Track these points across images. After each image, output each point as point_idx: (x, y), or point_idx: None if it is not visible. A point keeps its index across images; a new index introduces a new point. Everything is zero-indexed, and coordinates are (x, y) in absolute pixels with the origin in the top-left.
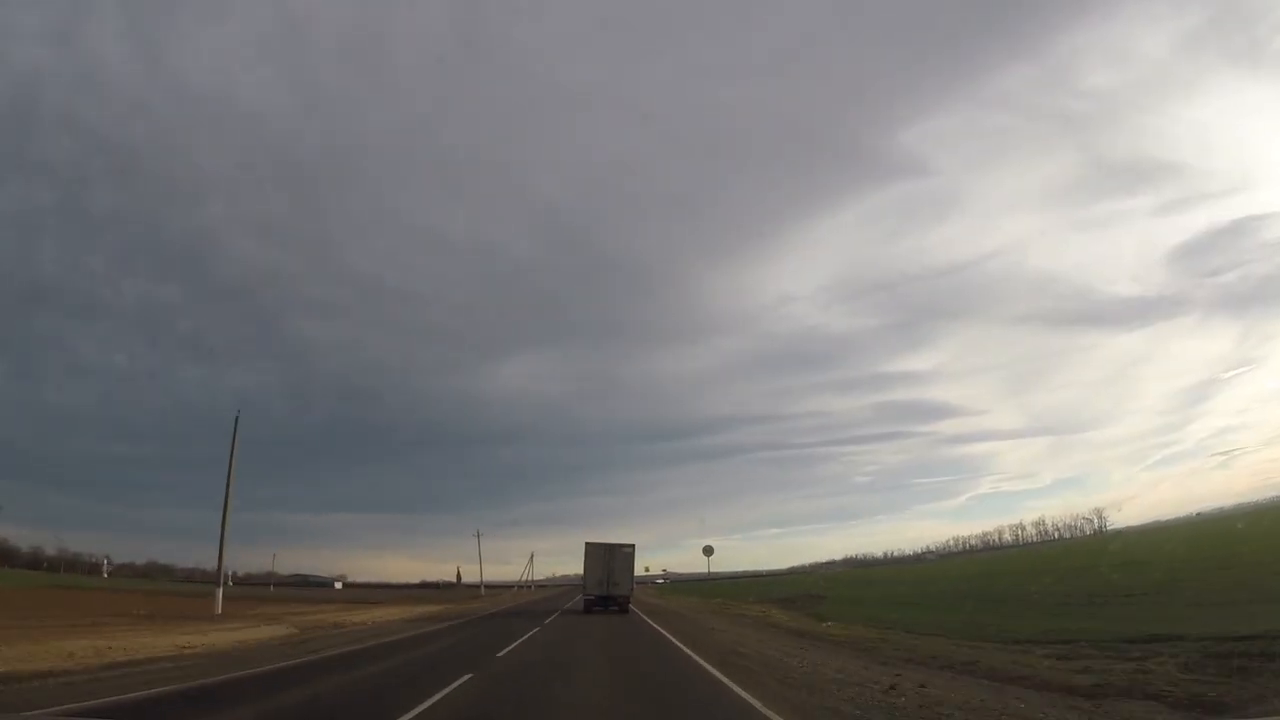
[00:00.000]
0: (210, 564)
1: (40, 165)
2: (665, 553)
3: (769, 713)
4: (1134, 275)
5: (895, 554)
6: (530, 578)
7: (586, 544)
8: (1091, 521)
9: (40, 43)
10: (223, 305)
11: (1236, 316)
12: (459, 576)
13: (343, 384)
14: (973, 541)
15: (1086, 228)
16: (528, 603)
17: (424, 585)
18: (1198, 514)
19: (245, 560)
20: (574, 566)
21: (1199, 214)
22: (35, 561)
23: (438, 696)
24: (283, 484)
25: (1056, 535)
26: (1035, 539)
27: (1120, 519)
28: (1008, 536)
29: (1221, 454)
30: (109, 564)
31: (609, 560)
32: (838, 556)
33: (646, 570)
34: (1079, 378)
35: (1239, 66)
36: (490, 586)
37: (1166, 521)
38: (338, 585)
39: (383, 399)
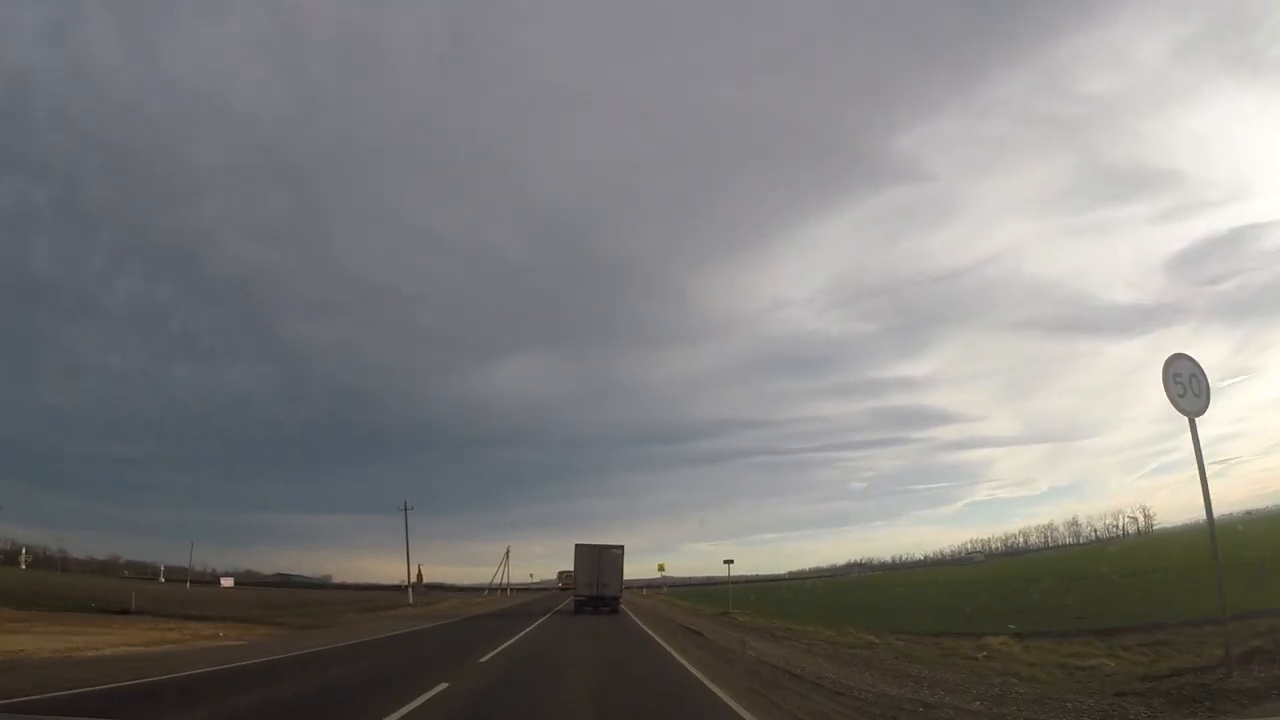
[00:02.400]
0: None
1: (33, 163)
2: (661, 556)
3: None
4: (1131, 283)
5: (904, 558)
6: (506, 579)
7: (576, 545)
8: (1135, 521)
9: (35, 40)
10: (217, 305)
11: (1234, 325)
12: (420, 575)
13: (338, 384)
14: (995, 545)
15: (1084, 234)
16: (472, 616)
17: (401, 587)
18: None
19: (234, 559)
20: (565, 567)
21: (1197, 222)
22: None
23: None
24: (277, 484)
25: (1094, 535)
26: (1068, 540)
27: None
28: (1035, 539)
29: (1218, 463)
30: (26, 555)
31: (599, 561)
32: (840, 561)
33: (662, 571)
34: (1076, 385)
35: (1238, 74)
36: (440, 589)
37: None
38: (226, 583)
39: (379, 400)
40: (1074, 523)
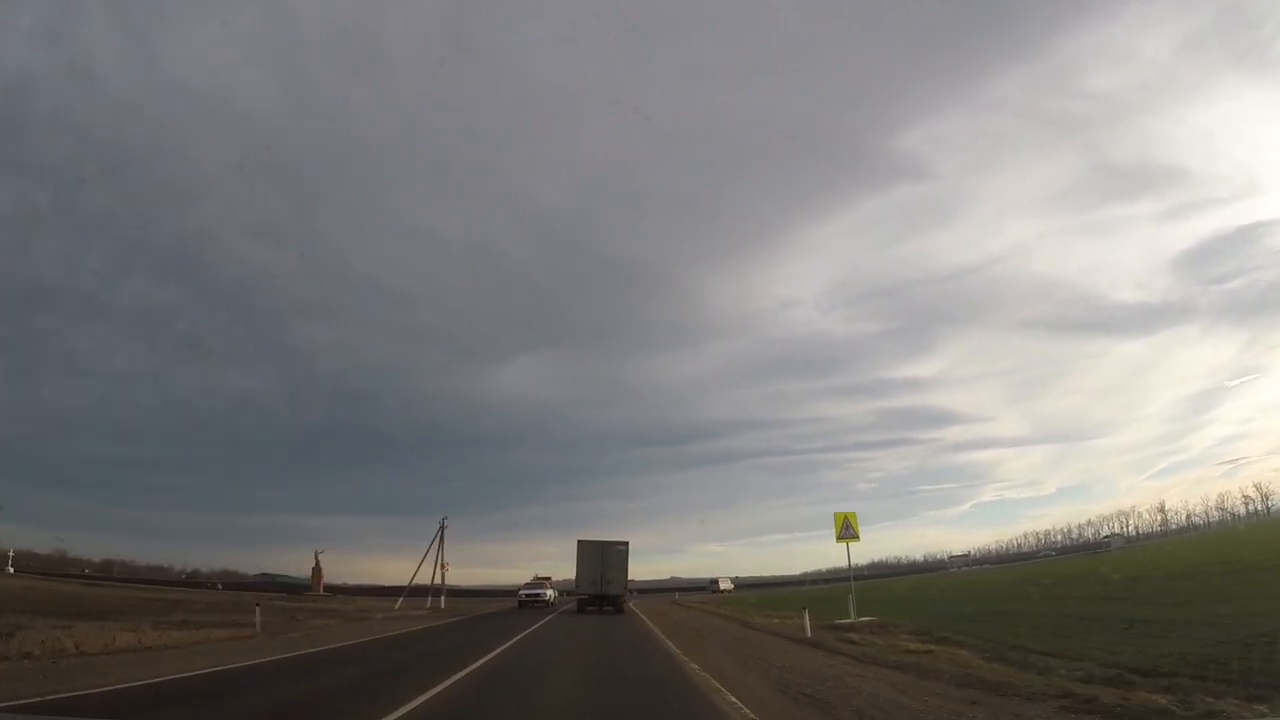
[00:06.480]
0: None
1: (32, 165)
2: (668, 558)
3: None
4: (1138, 281)
5: (937, 556)
6: (441, 576)
7: (579, 541)
8: (1249, 502)
9: (31, 41)
10: (217, 307)
11: (1242, 324)
12: (318, 569)
13: (339, 386)
14: (1057, 537)
15: (1090, 233)
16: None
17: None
18: None
19: (229, 560)
20: (561, 570)
21: (1204, 220)
22: None
23: None
24: (279, 486)
25: (1188, 520)
26: (1156, 530)
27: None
28: (1106, 531)
29: (1227, 463)
30: None
31: (602, 558)
32: (861, 562)
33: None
34: (1083, 385)
35: (1243, 70)
36: (348, 592)
37: None
38: None
39: (379, 402)
40: (1160, 508)
